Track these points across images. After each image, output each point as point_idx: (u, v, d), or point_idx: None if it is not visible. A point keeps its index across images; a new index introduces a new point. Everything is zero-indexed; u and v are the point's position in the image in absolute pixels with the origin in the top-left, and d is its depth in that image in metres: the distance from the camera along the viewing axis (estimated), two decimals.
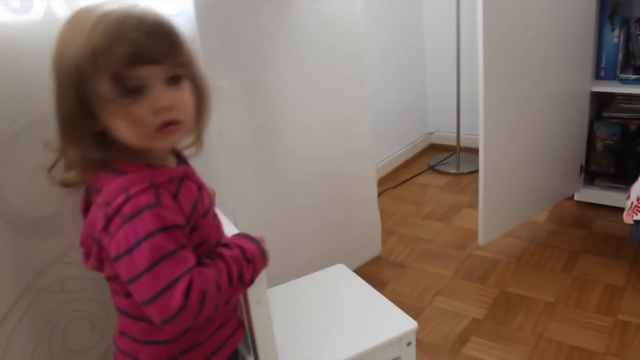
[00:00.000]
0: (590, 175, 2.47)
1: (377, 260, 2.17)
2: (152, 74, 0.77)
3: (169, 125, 0.80)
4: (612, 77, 2.26)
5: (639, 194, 1.91)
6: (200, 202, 0.86)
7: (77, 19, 0.80)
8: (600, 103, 2.44)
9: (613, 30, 2.19)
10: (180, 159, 0.94)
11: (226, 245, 0.88)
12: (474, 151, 3.07)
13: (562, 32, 2.00)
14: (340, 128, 1.86)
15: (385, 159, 2.90)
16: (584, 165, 2.38)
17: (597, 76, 2.28)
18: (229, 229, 0.97)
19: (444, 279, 2.03)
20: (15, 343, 1.06)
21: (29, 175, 1.03)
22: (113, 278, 0.85)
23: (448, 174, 2.95)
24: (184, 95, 0.82)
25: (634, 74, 2.20)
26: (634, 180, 2.05)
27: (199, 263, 0.81)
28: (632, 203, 1.93)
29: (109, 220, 0.78)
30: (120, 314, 0.91)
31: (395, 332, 1.23)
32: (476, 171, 2.87)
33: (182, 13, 1.23)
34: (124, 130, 0.79)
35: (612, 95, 2.38)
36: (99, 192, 0.82)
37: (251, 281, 0.88)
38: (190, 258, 0.79)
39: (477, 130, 3.03)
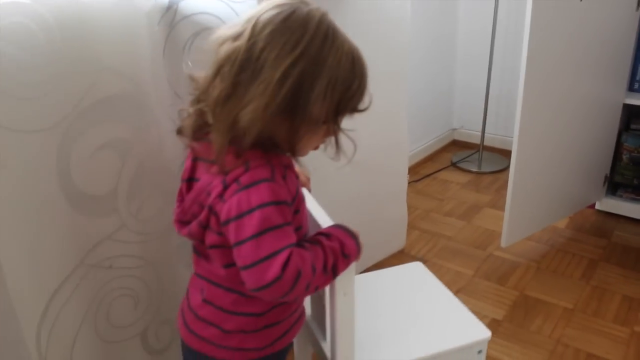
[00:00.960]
0: (613, 185, 2.49)
1: (400, 254, 2.20)
2: None
3: None
4: None
5: None
6: (300, 189, 0.92)
7: (336, 38, 0.83)
8: (630, 115, 2.44)
9: None
10: None
11: (327, 235, 0.92)
12: (497, 151, 3.10)
13: (603, 42, 2.00)
14: (380, 120, 1.86)
15: (409, 152, 2.91)
16: (608, 175, 2.40)
17: (631, 88, 2.29)
18: (323, 218, 1.01)
19: (464, 277, 2.06)
20: (65, 315, 1.09)
21: (92, 153, 1.05)
22: (215, 246, 0.88)
23: (470, 172, 2.96)
24: None
25: None
26: None
27: (299, 245, 0.86)
28: None
29: (226, 187, 0.83)
30: (209, 284, 0.94)
31: (468, 339, 1.22)
32: (498, 171, 2.91)
33: (244, 1, 1.24)
34: (304, 141, 0.85)
35: None
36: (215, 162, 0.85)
37: (339, 274, 0.93)
38: (293, 235, 0.85)
39: (501, 131, 3.07)
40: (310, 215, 1.02)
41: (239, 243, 0.81)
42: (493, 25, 2.78)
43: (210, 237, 0.88)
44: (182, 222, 0.93)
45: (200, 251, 0.95)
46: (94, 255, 1.11)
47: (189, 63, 1.19)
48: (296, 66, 0.78)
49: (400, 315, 1.29)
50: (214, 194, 0.84)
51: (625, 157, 2.42)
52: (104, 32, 1.01)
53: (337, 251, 0.89)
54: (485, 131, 3.00)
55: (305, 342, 1.39)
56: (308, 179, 1.15)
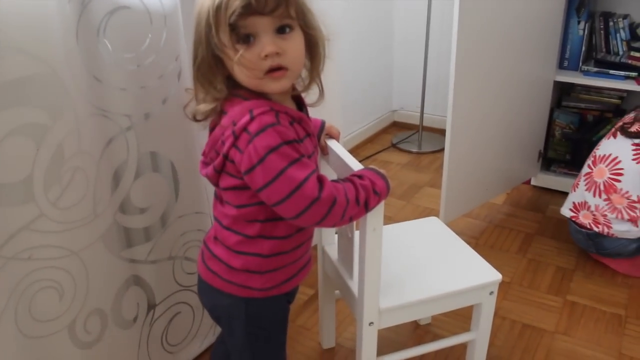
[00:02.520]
0: (547, 161, 2.56)
1: None
2: (261, 24, 0.90)
3: (277, 70, 0.93)
4: (574, 67, 2.33)
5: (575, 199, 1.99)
6: (304, 144, 0.99)
7: None
8: (561, 92, 2.51)
9: (579, 22, 2.25)
10: (302, 107, 1.06)
11: (359, 176, 1.05)
12: (436, 131, 3.14)
13: (532, 21, 2.04)
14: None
15: (349, 134, 2.92)
16: (542, 151, 2.46)
17: (561, 66, 2.35)
18: (354, 163, 1.13)
19: None
20: None
21: (1, 139, 0.99)
22: (229, 189, 0.99)
23: (410, 152, 2.99)
24: (292, 43, 0.93)
25: (595, 66, 2.27)
26: None
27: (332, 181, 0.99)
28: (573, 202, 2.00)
29: (236, 137, 0.92)
30: (220, 226, 1.05)
31: (480, 280, 1.34)
32: (437, 151, 2.95)
33: None
34: (239, 72, 0.93)
35: (572, 85, 2.45)
36: (226, 114, 0.96)
37: (371, 209, 1.06)
38: (312, 164, 0.96)
39: (440, 111, 3.10)
40: (342, 162, 1.16)
41: (269, 183, 0.91)
42: (428, 6, 2.80)
43: (226, 180, 0.98)
44: (204, 163, 1.03)
45: (217, 194, 1.06)
46: (10, 247, 1.06)
47: (107, 44, 1.14)
48: (196, 17, 0.94)
49: (418, 261, 1.41)
50: (227, 144, 0.93)
51: (557, 133, 2.49)
52: (7, 10, 0.95)
53: (368, 188, 1.02)
54: (425, 112, 3.03)
55: (329, 289, 1.54)
56: (338, 132, 1.29)
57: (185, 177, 1.37)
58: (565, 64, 2.35)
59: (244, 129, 0.91)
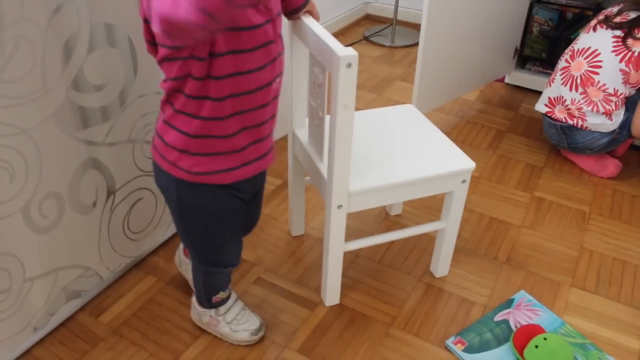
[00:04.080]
0: (523, 59, 2.49)
1: None
2: None
3: None
4: None
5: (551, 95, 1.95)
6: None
7: None
8: None
9: None
10: None
11: None
12: (410, 25, 3.02)
13: None
14: None
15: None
16: (518, 48, 2.39)
17: None
18: (332, 42, 1.10)
19: None
20: None
21: None
22: (162, 61, 0.93)
23: (382, 46, 2.88)
24: None
25: None
26: None
27: None
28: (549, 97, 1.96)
29: None
30: (162, 99, 1.00)
31: (453, 167, 1.31)
32: (410, 45, 2.85)
33: None
34: None
35: None
36: None
37: None
38: None
39: (415, 4, 2.97)
40: (317, 38, 1.13)
41: None
42: None
43: (159, 52, 0.92)
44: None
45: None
46: None
47: None
48: None
49: (392, 146, 1.37)
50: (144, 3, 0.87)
51: (535, 29, 2.41)
52: None
53: None
54: (399, 5, 2.90)
55: (299, 175, 1.50)
56: (319, 16, 1.22)
57: (144, 53, 1.25)
58: None
59: None
